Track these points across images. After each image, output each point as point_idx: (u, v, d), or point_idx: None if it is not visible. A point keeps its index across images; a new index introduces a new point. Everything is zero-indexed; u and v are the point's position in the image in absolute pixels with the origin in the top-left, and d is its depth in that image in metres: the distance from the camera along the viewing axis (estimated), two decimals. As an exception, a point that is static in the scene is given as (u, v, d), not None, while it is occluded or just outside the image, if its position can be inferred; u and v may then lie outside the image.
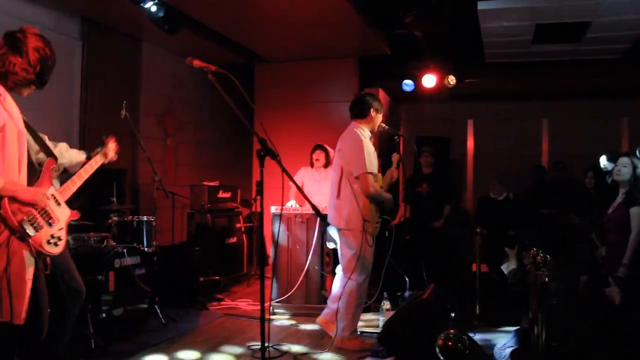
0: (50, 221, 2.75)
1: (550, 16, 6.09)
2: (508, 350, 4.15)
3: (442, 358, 3.52)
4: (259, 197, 2.93)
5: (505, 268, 6.16)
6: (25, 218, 2.61)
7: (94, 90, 6.37)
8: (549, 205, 7.38)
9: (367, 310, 5.73)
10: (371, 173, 4.39)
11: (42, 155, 2.94)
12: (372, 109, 4.59)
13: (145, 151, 5.30)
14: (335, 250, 6.30)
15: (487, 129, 9.26)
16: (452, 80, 7.79)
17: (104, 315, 4.36)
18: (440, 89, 7.93)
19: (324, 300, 5.70)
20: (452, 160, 8.66)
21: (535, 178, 7.89)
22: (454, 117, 9.32)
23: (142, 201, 6.92)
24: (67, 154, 3.27)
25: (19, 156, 2.66)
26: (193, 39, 6.84)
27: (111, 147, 3.50)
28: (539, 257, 3.46)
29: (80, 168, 3.21)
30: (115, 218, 5.17)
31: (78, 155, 3.35)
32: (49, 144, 3.06)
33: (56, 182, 3.00)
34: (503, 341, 4.27)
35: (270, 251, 6.13)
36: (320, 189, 6.22)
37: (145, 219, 5.37)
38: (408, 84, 8.00)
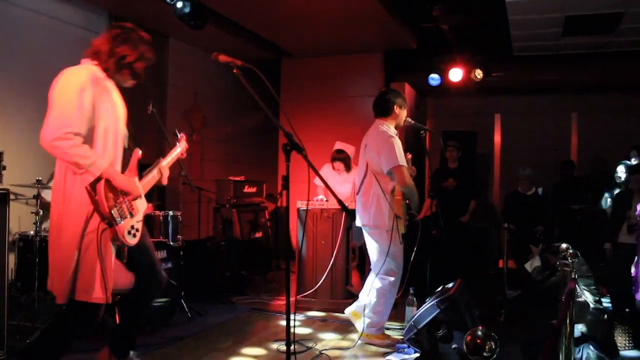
0: (132, 212, 2.83)
1: (581, 7, 5.95)
2: (536, 347, 4.10)
3: (469, 355, 3.48)
4: (284, 192, 2.93)
5: (530, 265, 6.08)
6: (114, 206, 2.69)
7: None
8: (578, 201, 7.26)
9: (393, 305, 5.71)
10: (405, 167, 4.34)
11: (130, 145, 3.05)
12: (395, 106, 4.54)
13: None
14: (360, 246, 6.30)
15: (515, 123, 9.13)
16: (479, 74, 7.69)
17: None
18: (467, 82, 7.83)
19: (349, 296, 5.70)
20: (478, 155, 8.56)
21: (565, 173, 7.76)
22: (481, 111, 9.21)
23: (168, 196, 6.98)
24: None
25: (116, 142, 2.80)
26: (219, 34, 6.86)
27: (183, 145, 3.59)
28: (568, 253, 3.39)
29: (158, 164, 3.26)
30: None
31: None
32: None
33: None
34: (530, 338, 4.22)
35: (295, 246, 6.13)
36: (343, 190, 6.22)
37: (172, 214, 5.40)
38: (434, 78, 7.92)
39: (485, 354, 3.44)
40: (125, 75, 2.89)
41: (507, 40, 7.14)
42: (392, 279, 4.48)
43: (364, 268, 6.09)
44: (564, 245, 3.56)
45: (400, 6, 6.78)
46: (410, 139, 7.78)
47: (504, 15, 6.26)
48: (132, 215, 2.82)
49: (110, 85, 2.84)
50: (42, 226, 4.92)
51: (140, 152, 2.99)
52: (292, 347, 2.88)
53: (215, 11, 6.35)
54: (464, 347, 3.58)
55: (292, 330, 2.91)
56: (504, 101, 9.14)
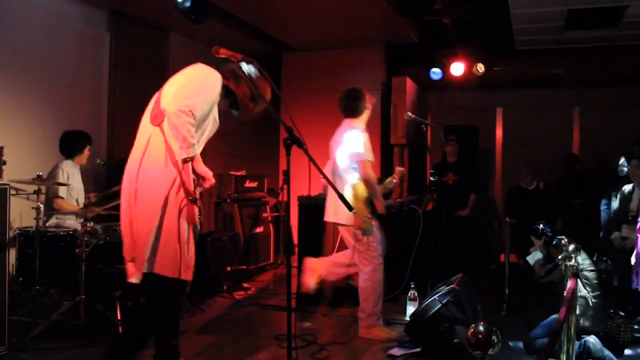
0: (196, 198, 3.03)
1: (584, 1, 5.92)
2: (539, 342, 4.09)
3: (471, 350, 3.48)
4: (285, 187, 2.93)
5: (532, 259, 6.06)
6: (196, 187, 2.97)
7: (122, 80, 6.41)
8: (580, 195, 7.24)
9: (394, 300, 5.71)
10: (370, 161, 4.54)
11: None
12: (364, 108, 4.85)
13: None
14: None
15: (517, 117, 9.10)
16: (480, 68, 7.67)
17: (131, 303, 4.41)
18: (468, 77, 7.81)
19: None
20: (480, 149, 8.54)
21: (567, 167, 7.73)
22: (482, 105, 9.18)
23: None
24: None
25: (208, 137, 3.14)
26: (220, 28, 6.83)
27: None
28: (571, 248, 3.38)
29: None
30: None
31: None
32: None
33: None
34: (533, 332, 4.21)
35: (296, 241, 6.13)
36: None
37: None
38: (436, 72, 7.89)
39: (487, 349, 3.43)
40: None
41: (509, 34, 7.11)
42: (370, 271, 4.51)
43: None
44: (566, 240, 3.55)
45: (402, 0, 6.75)
46: (412, 133, 7.77)
47: (506, 9, 6.22)
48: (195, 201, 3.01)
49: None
50: (49, 222, 4.93)
51: None
52: (293, 342, 2.88)
53: (216, 5, 6.32)
54: (466, 341, 3.57)
55: (293, 324, 2.91)
56: (505, 95, 9.10)
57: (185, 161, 2.85)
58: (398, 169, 5.20)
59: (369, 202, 4.51)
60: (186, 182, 2.86)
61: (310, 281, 4.65)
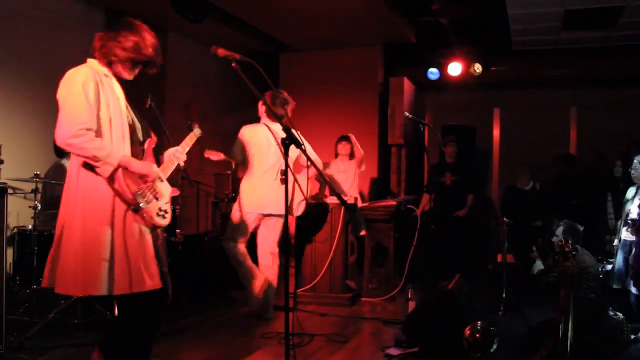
0: (157, 195, 2.90)
1: (581, 1, 5.93)
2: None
3: (468, 350, 3.49)
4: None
5: (535, 268, 6.11)
6: (137, 191, 2.77)
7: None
8: (577, 196, 7.26)
9: (392, 299, 5.72)
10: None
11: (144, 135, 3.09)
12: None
13: (170, 140, 5.31)
14: (360, 239, 6.31)
15: (514, 117, 9.11)
16: (478, 68, 7.68)
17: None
18: (466, 77, 7.82)
19: (348, 290, 5.71)
20: (477, 149, 8.55)
21: (564, 168, 7.74)
22: (480, 105, 9.18)
23: (167, 190, 6.96)
24: None
25: (122, 133, 2.83)
26: (218, 28, 6.84)
27: (198, 132, 3.66)
28: (567, 248, 3.39)
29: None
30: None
31: None
32: None
33: None
34: (530, 333, 4.22)
35: (294, 241, 6.14)
36: (346, 179, 6.22)
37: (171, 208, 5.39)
38: (433, 72, 7.90)
39: (485, 349, 3.44)
40: (125, 66, 2.92)
41: (507, 35, 7.13)
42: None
43: (362, 262, 6.09)
44: (562, 241, 3.55)
45: (400, 0, 6.75)
46: (409, 133, 7.78)
47: (503, 10, 6.24)
48: (157, 199, 2.90)
49: (112, 78, 2.88)
50: (46, 221, 4.91)
51: (154, 139, 3.08)
52: (290, 341, 2.88)
53: (214, 4, 6.32)
54: (464, 341, 3.58)
55: (290, 323, 2.91)
56: (503, 96, 9.11)
57: (111, 177, 2.70)
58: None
59: None
60: (122, 194, 2.71)
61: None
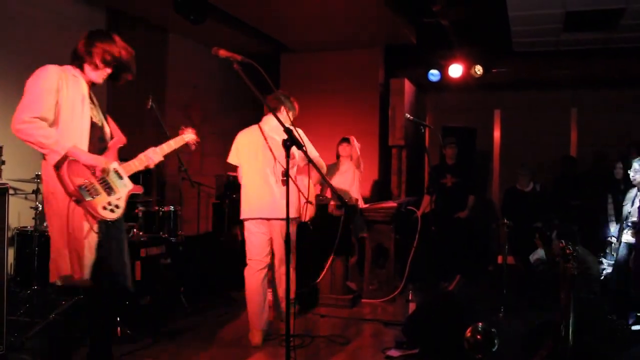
0: (108, 190, 2.98)
1: (582, 3, 5.94)
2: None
3: (469, 351, 3.48)
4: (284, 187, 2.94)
5: (532, 256, 6.07)
6: (83, 184, 2.86)
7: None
8: (577, 197, 7.26)
9: (392, 301, 5.72)
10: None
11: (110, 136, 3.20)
12: (282, 106, 4.60)
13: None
14: (361, 240, 6.31)
15: (515, 119, 9.11)
16: (479, 70, 7.68)
17: (130, 303, 4.41)
18: (466, 78, 7.82)
19: (349, 291, 5.70)
20: (478, 151, 8.55)
21: (564, 169, 7.75)
22: (480, 107, 9.18)
23: (168, 191, 6.97)
24: None
25: (81, 130, 2.95)
26: (219, 29, 6.84)
27: (189, 137, 3.65)
28: (568, 250, 3.39)
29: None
30: (142, 208, 5.21)
31: None
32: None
33: None
34: (530, 334, 4.22)
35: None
36: (347, 180, 6.22)
37: (171, 209, 5.40)
38: (434, 74, 7.90)
39: (485, 350, 3.44)
40: (97, 72, 3.06)
41: (507, 36, 7.13)
42: (294, 262, 4.56)
43: (363, 264, 6.09)
44: (562, 242, 3.55)
45: (401, 1, 6.76)
46: (410, 135, 7.78)
47: (504, 11, 6.24)
48: (109, 194, 2.98)
49: (81, 79, 3.03)
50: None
51: (116, 140, 3.17)
52: (291, 342, 2.88)
53: (215, 5, 6.33)
54: (465, 342, 3.58)
55: (291, 325, 2.91)
56: (503, 97, 9.11)
57: (57, 165, 2.82)
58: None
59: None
60: (65, 185, 2.82)
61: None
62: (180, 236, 5.42)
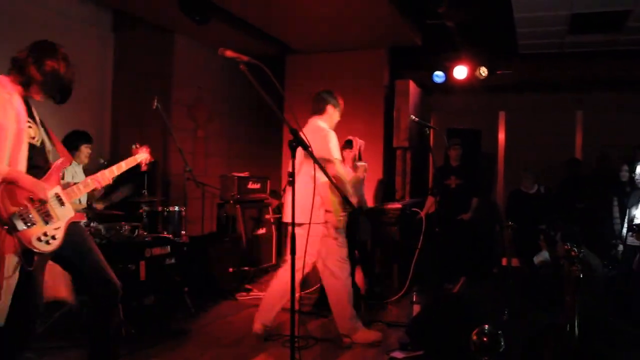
0: (47, 219, 2.73)
1: (588, 5, 5.92)
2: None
3: (476, 353, 3.48)
4: (289, 188, 2.93)
5: (537, 257, 6.06)
6: (17, 212, 2.61)
7: (126, 81, 6.44)
8: (582, 199, 7.24)
9: (396, 302, 5.71)
10: (338, 159, 4.46)
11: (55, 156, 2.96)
12: (329, 105, 4.67)
13: (176, 142, 5.35)
14: (365, 241, 6.31)
15: (519, 121, 9.10)
16: (483, 71, 7.68)
17: (134, 303, 4.42)
18: (471, 80, 7.82)
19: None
20: (483, 153, 8.54)
21: (570, 171, 7.73)
22: (485, 109, 9.17)
23: (172, 191, 6.98)
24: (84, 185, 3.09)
25: (20, 151, 2.70)
26: (224, 30, 6.85)
27: (142, 156, 3.48)
28: (573, 252, 3.38)
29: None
30: (146, 208, 5.22)
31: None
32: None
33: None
34: (535, 336, 4.21)
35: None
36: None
37: (176, 209, 5.41)
38: (439, 76, 7.90)
39: (491, 352, 3.43)
40: (38, 89, 2.89)
41: (513, 38, 7.12)
42: (346, 273, 4.42)
43: (367, 265, 6.09)
44: (567, 244, 3.55)
45: (406, 3, 6.76)
46: (415, 136, 7.77)
47: (509, 13, 6.24)
48: (46, 222, 2.72)
49: (16, 96, 2.80)
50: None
51: (61, 162, 2.91)
52: (295, 343, 2.89)
53: (220, 7, 6.34)
54: (471, 344, 3.58)
55: (295, 326, 2.91)
56: (508, 99, 9.10)
57: None
58: (359, 164, 5.13)
59: (339, 202, 4.39)
60: None
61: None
62: (185, 236, 5.43)
